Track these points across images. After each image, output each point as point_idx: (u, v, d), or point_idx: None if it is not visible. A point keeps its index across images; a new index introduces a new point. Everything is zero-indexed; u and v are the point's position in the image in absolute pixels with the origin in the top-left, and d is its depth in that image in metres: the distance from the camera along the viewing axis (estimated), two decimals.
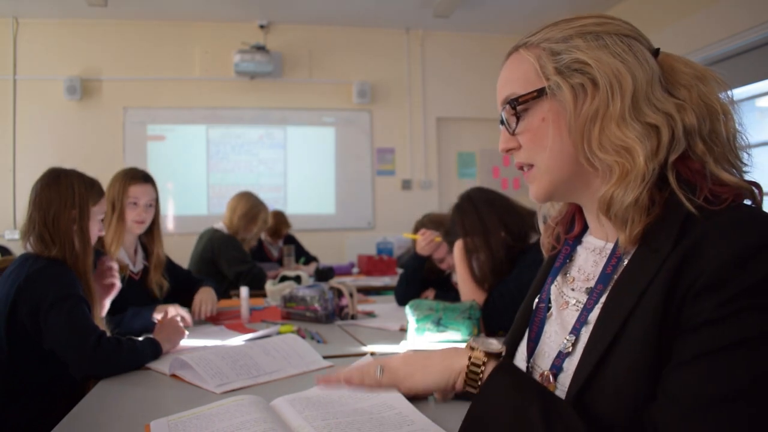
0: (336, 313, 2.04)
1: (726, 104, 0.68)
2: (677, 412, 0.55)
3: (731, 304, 0.55)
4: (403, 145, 5.17)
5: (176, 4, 4.42)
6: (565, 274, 0.80)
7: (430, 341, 1.59)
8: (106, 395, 1.23)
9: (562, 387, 0.69)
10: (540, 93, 0.70)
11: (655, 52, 0.70)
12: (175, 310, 1.88)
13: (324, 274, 3.35)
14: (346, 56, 5.03)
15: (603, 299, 0.68)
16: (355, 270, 3.98)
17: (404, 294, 2.28)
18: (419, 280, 2.33)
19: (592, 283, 0.73)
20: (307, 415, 0.96)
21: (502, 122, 0.75)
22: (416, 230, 2.41)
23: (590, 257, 0.77)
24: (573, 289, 0.76)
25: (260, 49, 4.61)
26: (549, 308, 0.79)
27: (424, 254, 2.29)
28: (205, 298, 2.12)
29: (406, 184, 5.16)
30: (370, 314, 2.14)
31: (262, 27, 4.78)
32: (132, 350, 1.41)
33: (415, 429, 0.94)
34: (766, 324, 0.54)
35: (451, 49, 5.18)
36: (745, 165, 0.69)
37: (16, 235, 4.35)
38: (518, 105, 0.71)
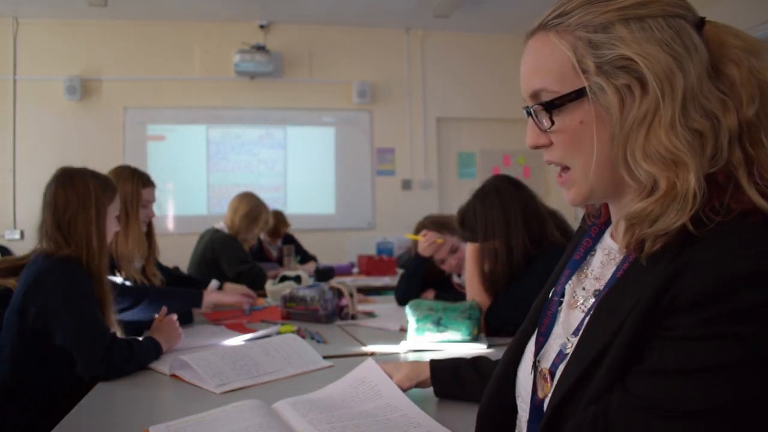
0: (336, 313, 2.04)
1: None
2: (633, 411, 0.55)
3: (711, 325, 0.52)
4: (403, 145, 5.17)
5: (176, 4, 4.42)
6: (583, 270, 0.74)
7: (430, 341, 1.59)
8: (106, 395, 1.23)
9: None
10: (579, 94, 0.61)
11: (700, 24, 0.61)
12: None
13: (324, 274, 3.35)
14: (346, 56, 5.03)
15: None
16: (355, 270, 3.97)
17: (404, 294, 2.28)
18: (420, 281, 2.33)
19: (600, 285, 0.70)
20: (312, 419, 0.95)
21: (529, 114, 0.66)
22: (417, 231, 2.41)
23: (600, 257, 0.73)
24: (584, 288, 0.72)
25: (260, 49, 4.61)
26: (561, 302, 0.75)
27: (425, 255, 2.29)
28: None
29: (406, 184, 5.16)
30: (370, 314, 2.14)
31: (262, 27, 4.78)
32: (139, 352, 1.42)
33: (422, 431, 0.94)
34: (739, 355, 0.51)
35: (451, 49, 5.19)
36: None
37: (16, 235, 4.36)
38: (553, 107, 0.62)
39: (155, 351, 1.47)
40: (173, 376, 1.33)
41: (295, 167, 5.02)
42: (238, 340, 1.69)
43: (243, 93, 4.86)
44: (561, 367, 0.67)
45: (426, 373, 1.12)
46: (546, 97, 0.63)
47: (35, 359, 1.43)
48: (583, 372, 0.60)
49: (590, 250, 0.75)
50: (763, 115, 0.59)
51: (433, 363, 1.13)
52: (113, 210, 1.59)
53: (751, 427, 0.51)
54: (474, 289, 1.83)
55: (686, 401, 0.52)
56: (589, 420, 0.57)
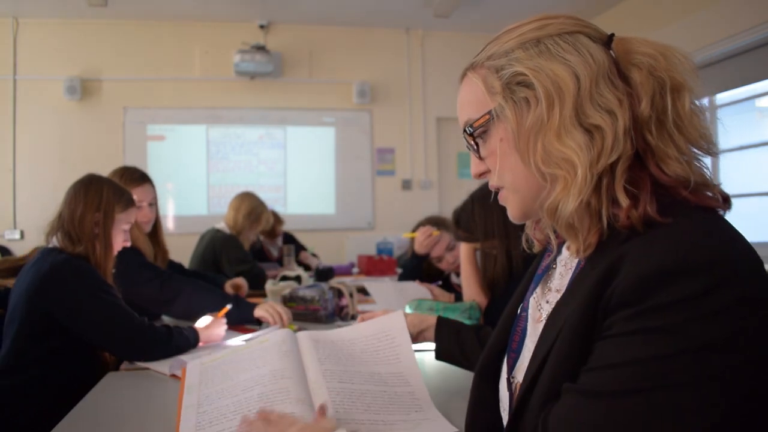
0: (336, 313, 2.04)
1: (680, 79, 0.62)
2: (566, 403, 0.57)
3: (638, 320, 0.54)
4: (403, 145, 5.17)
5: (176, 4, 4.42)
6: (546, 283, 0.77)
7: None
8: (106, 395, 1.23)
9: None
10: (492, 114, 0.67)
11: (609, 40, 0.66)
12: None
13: (324, 274, 3.35)
14: (346, 56, 5.03)
15: None
16: (355, 270, 3.97)
17: None
18: (418, 280, 2.33)
19: (560, 296, 0.71)
20: (326, 370, 0.96)
21: (469, 148, 0.72)
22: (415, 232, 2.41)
23: (559, 269, 0.75)
24: (548, 302, 0.73)
25: (260, 49, 4.61)
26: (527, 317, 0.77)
27: (422, 251, 2.29)
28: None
29: (406, 184, 5.16)
30: None
31: (262, 27, 4.78)
32: (180, 335, 1.52)
33: (422, 417, 0.94)
34: (664, 346, 0.53)
35: (451, 49, 5.18)
36: (706, 151, 0.63)
37: (17, 235, 4.36)
38: (474, 131, 0.69)
39: (194, 340, 1.57)
40: (173, 376, 1.33)
41: (295, 167, 5.02)
42: (238, 340, 1.69)
43: (243, 93, 4.86)
44: None
45: (428, 323, 1.16)
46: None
47: (35, 359, 1.43)
48: (532, 377, 0.63)
49: (551, 264, 0.77)
50: (661, 108, 0.62)
51: (440, 319, 1.18)
52: (123, 219, 1.65)
53: (678, 412, 0.52)
54: (471, 289, 1.84)
55: (611, 384, 0.54)
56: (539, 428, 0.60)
